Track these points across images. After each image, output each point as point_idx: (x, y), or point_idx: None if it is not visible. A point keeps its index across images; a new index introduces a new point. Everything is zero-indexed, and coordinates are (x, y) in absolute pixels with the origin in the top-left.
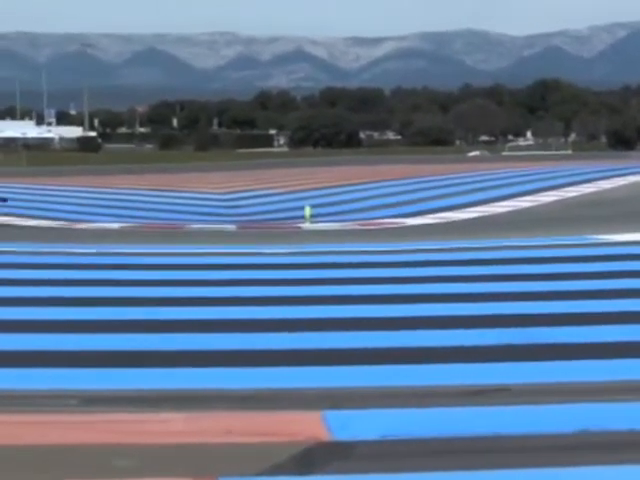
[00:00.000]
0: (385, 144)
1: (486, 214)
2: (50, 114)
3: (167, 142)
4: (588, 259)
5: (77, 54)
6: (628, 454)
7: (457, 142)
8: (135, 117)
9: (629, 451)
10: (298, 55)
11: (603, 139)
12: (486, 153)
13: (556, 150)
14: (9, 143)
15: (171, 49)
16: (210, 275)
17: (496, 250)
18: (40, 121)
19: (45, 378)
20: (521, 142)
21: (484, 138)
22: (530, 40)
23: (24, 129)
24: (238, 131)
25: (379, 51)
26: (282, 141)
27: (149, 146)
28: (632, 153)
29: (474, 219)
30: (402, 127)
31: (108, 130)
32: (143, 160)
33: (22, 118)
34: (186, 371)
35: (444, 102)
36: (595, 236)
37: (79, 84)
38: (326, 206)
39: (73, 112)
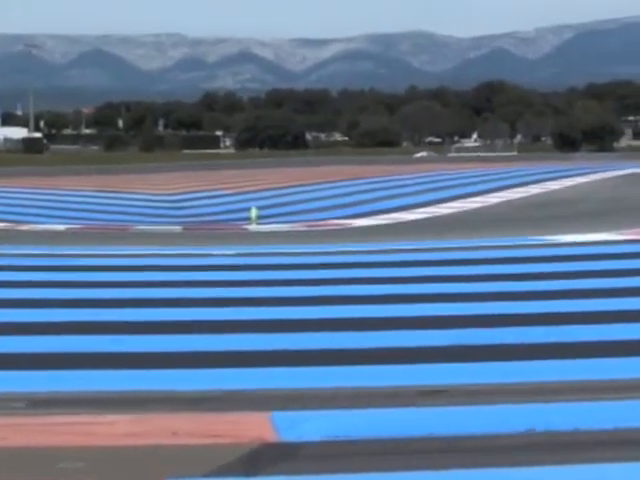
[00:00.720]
0: (332, 145)
1: (434, 215)
2: None
3: (112, 143)
4: (534, 260)
5: (22, 55)
6: (573, 454)
7: (404, 143)
8: (81, 118)
9: (574, 451)
10: (244, 56)
11: (548, 140)
12: (432, 154)
13: (502, 151)
14: None
15: (117, 50)
16: (156, 277)
17: (442, 251)
18: None
19: None
20: (467, 143)
21: (430, 139)
22: (476, 42)
23: None
24: (184, 132)
25: (326, 53)
26: (228, 142)
27: (94, 147)
28: (576, 155)
29: (422, 220)
30: (349, 128)
31: (54, 131)
32: (88, 161)
33: None
34: (132, 373)
35: (390, 104)
36: (542, 237)
37: (25, 85)
38: (273, 207)
39: (19, 113)
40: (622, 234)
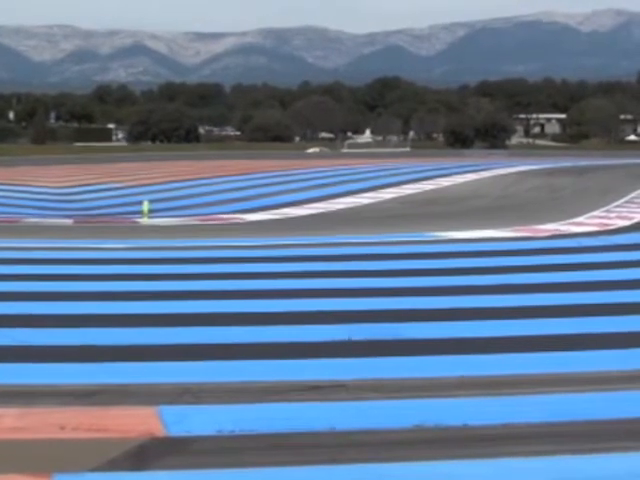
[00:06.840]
0: (224, 140)
1: (325, 211)
2: None
3: (3, 135)
4: (425, 256)
5: None
6: (461, 449)
7: (296, 139)
8: None
9: (462, 446)
10: (138, 49)
11: (441, 137)
12: (325, 150)
13: (394, 147)
14: None
15: (8, 41)
16: (45, 270)
17: (334, 246)
18: None
19: None
20: (359, 139)
21: (323, 135)
22: (370, 38)
23: None
24: (76, 125)
25: (219, 46)
26: (120, 135)
27: None
28: (467, 151)
29: (313, 215)
30: (242, 123)
31: None
32: None
33: None
34: (18, 366)
35: (284, 99)
36: (433, 233)
37: None
38: (165, 201)
39: None
40: (513, 231)
